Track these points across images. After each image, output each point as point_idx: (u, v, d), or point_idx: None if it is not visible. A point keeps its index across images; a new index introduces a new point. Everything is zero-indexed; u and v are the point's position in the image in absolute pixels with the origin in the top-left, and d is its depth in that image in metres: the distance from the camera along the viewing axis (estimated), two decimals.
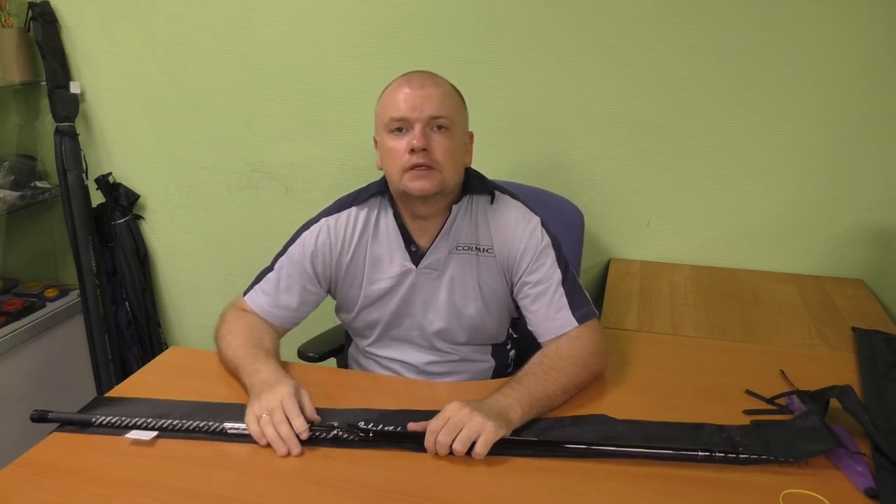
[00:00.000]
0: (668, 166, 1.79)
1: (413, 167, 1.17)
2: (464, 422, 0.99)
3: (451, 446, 0.98)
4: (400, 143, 1.18)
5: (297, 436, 1.01)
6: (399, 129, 1.19)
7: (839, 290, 1.69)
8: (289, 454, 1.00)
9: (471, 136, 1.29)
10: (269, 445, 1.01)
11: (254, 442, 1.02)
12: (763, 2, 1.61)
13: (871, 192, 1.70)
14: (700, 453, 0.98)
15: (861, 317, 1.54)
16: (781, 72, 1.65)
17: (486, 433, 0.98)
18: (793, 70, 1.64)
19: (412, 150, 1.17)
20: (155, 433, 1.04)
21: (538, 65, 1.77)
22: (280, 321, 1.30)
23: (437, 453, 0.99)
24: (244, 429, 1.03)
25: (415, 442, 1.01)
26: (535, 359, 1.17)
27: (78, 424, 1.07)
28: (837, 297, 1.65)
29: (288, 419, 1.01)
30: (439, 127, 1.19)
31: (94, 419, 1.06)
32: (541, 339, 1.24)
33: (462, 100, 1.26)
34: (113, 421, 1.06)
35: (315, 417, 1.04)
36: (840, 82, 1.63)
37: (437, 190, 1.19)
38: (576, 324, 1.21)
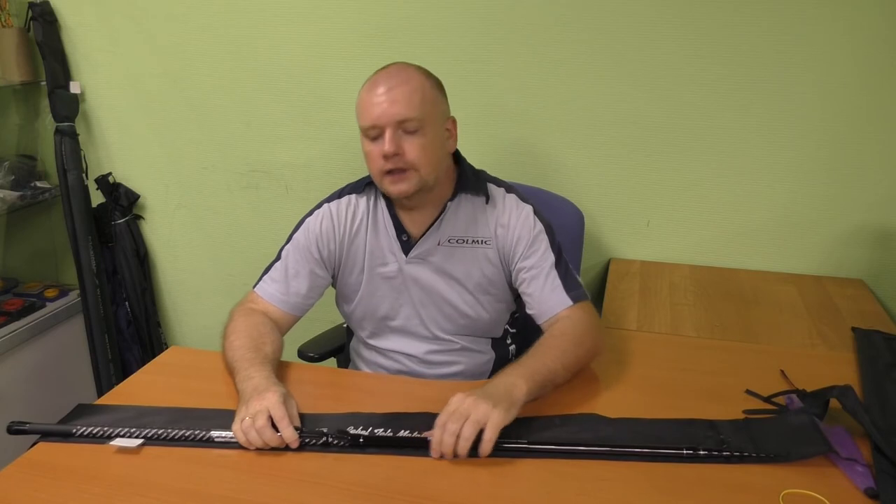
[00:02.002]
0: (668, 166, 1.79)
1: (388, 171, 1.20)
2: (469, 410, 0.99)
3: (456, 444, 0.97)
4: (375, 148, 1.20)
5: (288, 445, 1.01)
6: (373, 136, 1.20)
7: (839, 290, 1.69)
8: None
9: (453, 121, 1.29)
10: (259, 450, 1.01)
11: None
12: (763, 2, 1.61)
13: (871, 192, 1.70)
14: (685, 451, 0.99)
15: (861, 317, 1.54)
16: (782, 72, 1.65)
17: (493, 419, 0.98)
18: (793, 70, 1.64)
19: (385, 156, 1.18)
20: (140, 441, 1.02)
21: (539, 65, 1.77)
22: (291, 308, 1.31)
23: (442, 452, 0.98)
24: (231, 437, 1.02)
25: (407, 447, 1.01)
26: (534, 344, 1.20)
27: (59, 436, 1.04)
28: (837, 297, 1.65)
29: (274, 425, 1.01)
30: (409, 130, 1.19)
31: (74, 430, 1.04)
32: (539, 321, 1.27)
33: (437, 88, 1.26)
34: (95, 431, 1.04)
35: (297, 425, 1.04)
36: (840, 82, 1.63)
37: (415, 189, 1.22)
38: (570, 303, 1.24)
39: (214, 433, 1.03)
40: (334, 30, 1.88)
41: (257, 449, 1.01)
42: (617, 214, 1.86)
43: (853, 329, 1.46)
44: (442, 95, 1.27)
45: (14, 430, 1.06)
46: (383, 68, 1.25)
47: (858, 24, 1.58)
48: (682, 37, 1.67)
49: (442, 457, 0.99)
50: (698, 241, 1.83)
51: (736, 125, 1.71)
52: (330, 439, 1.02)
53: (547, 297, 1.26)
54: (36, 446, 1.03)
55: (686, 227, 1.83)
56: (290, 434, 1.00)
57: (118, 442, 1.02)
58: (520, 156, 1.86)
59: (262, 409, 1.02)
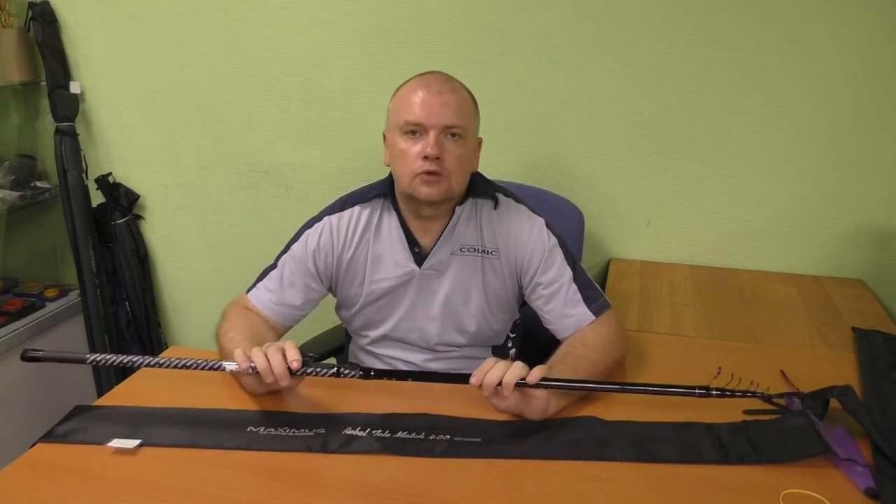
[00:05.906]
0: (668, 166, 1.79)
1: (424, 173, 1.18)
2: (509, 366, 1.04)
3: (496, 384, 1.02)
4: (413, 148, 1.18)
5: (289, 368, 1.04)
6: (413, 133, 1.18)
7: (839, 290, 1.69)
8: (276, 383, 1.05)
9: (480, 142, 1.29)
10: (254, 370, 1.05)
11: (252, 448, 1.01)
12: (765, 1, 1.61)
13: (871, 192, 1.70)
14: (697, 390, 1.04)
15: (861, 317, 1.54)
16: (783, 72, 1.65)
17: (536, 370, 1.03)
18: (794, 70, 1.64)
19: (425, 157, 1.16)
20: (138, 441, 1.02)
21: (539, 65, 1.77)
22: (282, 318, 1.31)
23: (486, 381, 1.03)
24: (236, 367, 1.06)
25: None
26: (562, 348, 1.20)
27: (72, 362, 1.15)
28: (837, 297, 1.65)
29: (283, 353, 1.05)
30: (453, 135, 1.19)
31: (87, 358, 1.10)
32: (560, 336, 1.26)
33: (476, 106, 1.26)
34: (106, 359, 1.08)
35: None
36: (841, 82, 1.63)
37: (443, 196, 1.21)
38: (593, 317, 1.24)
39: (226, 363, 1.07)
40: (334, 30, 1.88)
41: (251, 371, 1.04)
42: (617, 214, 1.86)
43: (853, 329, 1.46)
44: (478, 116, 1.26)
45: (28, 356, 1.09)
46: (427, 74, 1.23)
47: (859, 23, 1.58)
48: (682, 37, 1.67)
49: (480, 386, 1.04)
50: (698, 241, 1.83)
51: (736, 125, 1.71)
52: (341, 370, 1.07)
53: (568, 313, 1.25)
54: (36, 446, 1.03)
55: (686, 227, 1.83)
56: (293, 353, 1.04)
57: (115, 443, 1.02)
58: (519, 156, 1.86)
59: (271, 343, 1.08)
